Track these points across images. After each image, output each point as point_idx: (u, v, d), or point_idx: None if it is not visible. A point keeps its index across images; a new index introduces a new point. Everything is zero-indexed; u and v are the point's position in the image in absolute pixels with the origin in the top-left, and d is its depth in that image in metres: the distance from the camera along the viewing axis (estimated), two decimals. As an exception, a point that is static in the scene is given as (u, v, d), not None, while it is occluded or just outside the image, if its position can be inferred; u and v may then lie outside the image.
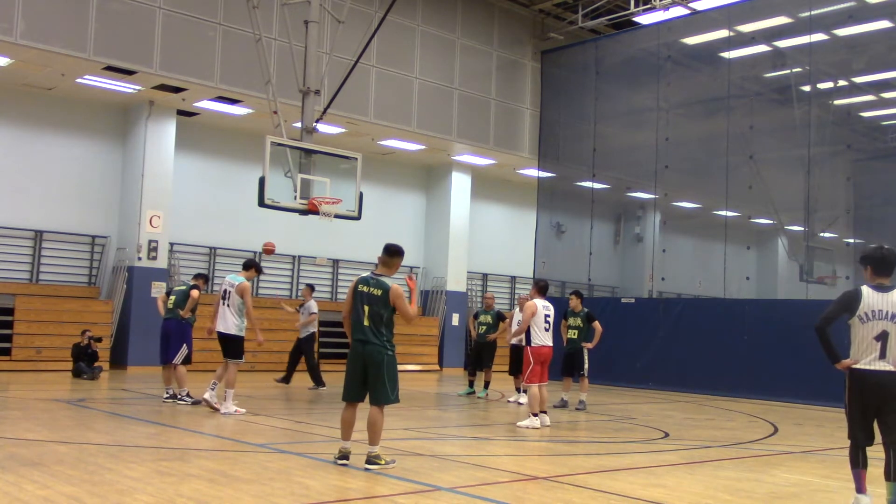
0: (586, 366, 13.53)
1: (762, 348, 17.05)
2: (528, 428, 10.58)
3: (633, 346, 19.23)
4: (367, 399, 7.44)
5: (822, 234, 19.57)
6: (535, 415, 10.70)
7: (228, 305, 11.14)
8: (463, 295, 23.91)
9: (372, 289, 7.36)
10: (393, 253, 7.58)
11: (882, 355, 5.91)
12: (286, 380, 15.78)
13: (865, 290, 6.03)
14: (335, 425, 10.57)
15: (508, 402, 14.31)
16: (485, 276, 25.58)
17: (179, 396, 11.92)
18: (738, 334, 17.57)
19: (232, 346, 11.19)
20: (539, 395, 10.82)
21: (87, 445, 8.00)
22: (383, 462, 7.23)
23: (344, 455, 7.38)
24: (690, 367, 18.15)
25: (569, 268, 22.24)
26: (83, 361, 15.93)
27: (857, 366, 5.97)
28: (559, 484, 6.97)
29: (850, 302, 6.03)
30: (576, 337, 13.58)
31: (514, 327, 14.48)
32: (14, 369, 16.56)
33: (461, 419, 12.14)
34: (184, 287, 12.31)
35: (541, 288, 11.41)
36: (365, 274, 7.59)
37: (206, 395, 11.20)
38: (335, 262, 22.39)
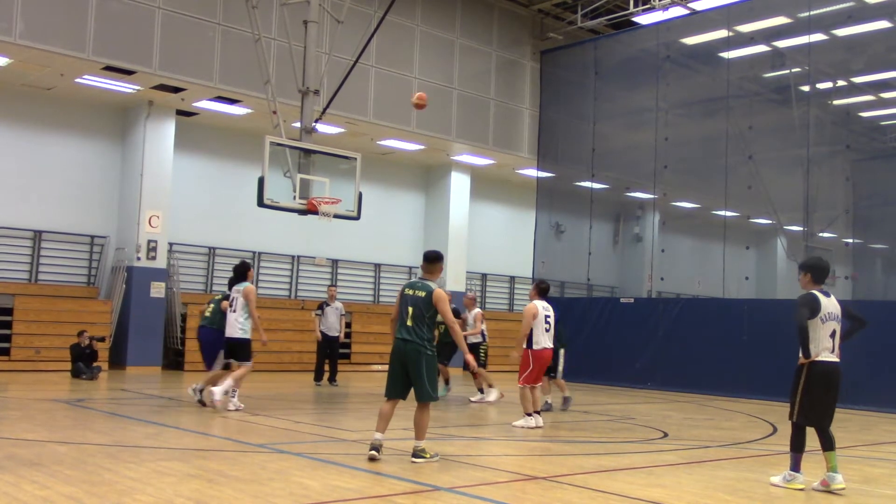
0: (560, 368, 13.18)
1: (761, 348, 17.04)
2: (522, 427, 10.58)
3: (633, 347, 19.23)
4: (404, 397, 7.88)
5: (821, 234, 19.55)
6: (529, 414, 10.72)
7: (235, 310, 11.30)
8: (462, 295, 23.89)
9: (417, 291, 7.86)
10: (431, 259, 8.11)
11: (833, 350, 7.11)
12: (321, 377, 16.38)
13: (819, 294, 7.15)
14: (334, 425, 10.59)
15: (471, 401, 13.88)
16: (484, 277, 25.58)
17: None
18: (737, 334, 17.56)
19: (239, 350, 11.35)
20: (531, 396, 10.85)
21: (87, 445, 8.00)
22: (428, 456, 7.58)
23: (375, 447, 7.56)
24: (690, 367, 18.14)
25: (568, 268, 22.23)
26: (82, 361, 15.92)
27: (819, 358, 7.07)
28: (558, 484, 6.97)
29: (816, 305, 7.09)
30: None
31: (470, 327, 14.24)
32: (13, 369, 16.55)
33: (460, 419, 12.13)
34: (219, 297, 12.17)
35: (541, 290, 11.27)
36: (413, 279, 8.27)
37: (228, 405, 11.34)
38: (334, 263, 22.38)
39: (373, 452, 7.52)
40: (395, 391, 7.77)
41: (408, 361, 7.66)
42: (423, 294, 7.78)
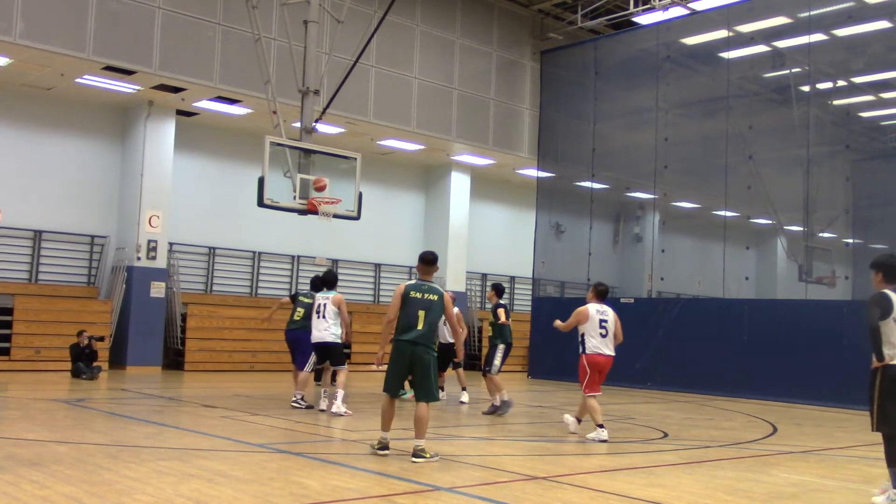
0: (495, 362, 12.32)
1: (761, 348, 17.05)
2: (596, 441, 9.68)
3: (633, 347, 19.07)
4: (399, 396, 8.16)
5: (821, 234, 19.57)
6: (601, 426, 9.80)
7: (324, 317, 11.66)
8: (462, 295, 23.89)
9: (427, 294, 7.94)
10: (430, 261, 8.16)
11: None
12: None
13: (891, 294, 6.62)
14: (334, 425, 10.59)
15: (462, 402, 13.61)
16: (484, 276, 25.57)
17: (297, 399, 12.18)
18: (737, 334, 17.57)
19: (336, 354, 11.74)
20: (597, 406, 9.95)
21: (86, 445, 8.00)
22: (428, 455, 7.62)
23: (384, 445, 7.84)
24: (690, 367, 18.14)
25: (568, 268, 22.23)
26: (82, 361, 15.92)
27: (893, 362, 6.50)
28: (558, 484, 6.97)
29: (887, 305, 6.56)
30: (490, 333, 12.78)
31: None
32: (13, 369, 16.54)
33: (460, 419, 12.12)
34: (311, 300, 12.49)
35: (599, 292, 10.36)
36: (411, 281, 8.12)
37: (325, 406, 11.68)
38: (334, 262, 22.39)
39: (386, 452, 7.78)
40: (396, 389, 7.99)
41: (416, 363, 7.81)
42: (435, 298, 7.93)
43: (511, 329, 12.75)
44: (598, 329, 10.02)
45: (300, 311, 12.63)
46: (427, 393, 7.86)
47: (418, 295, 7.90)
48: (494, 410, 12.19)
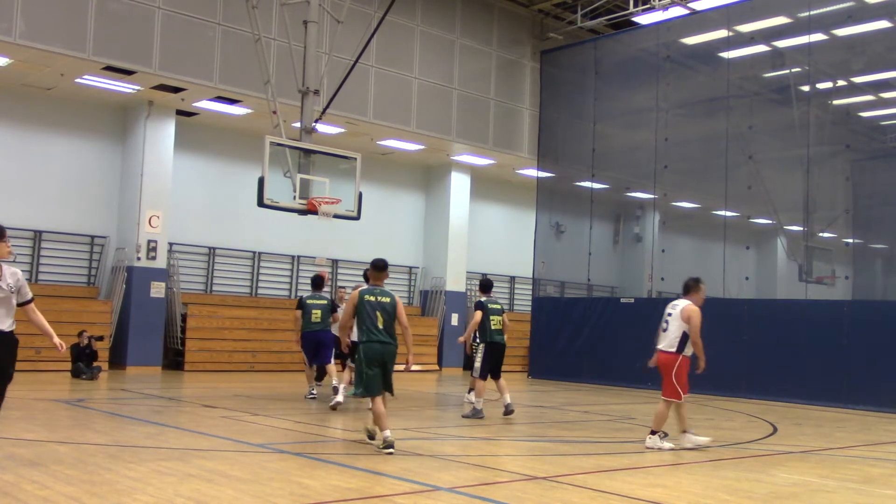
0: (476, 364, 11.83)
1: (761, 348, 17.05)
2: (655, 449, 9.28)
3: (633, 347, 19.11)
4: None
5: (821, 234, 19.56)
6: (654, 433, 9.51)
7: None
8: (462, 295, 23.92)
9: (379, 297, 8.51)
10: (382, 268, 8.77)
11: None
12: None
13: None
14: (334, 425, 10.59)
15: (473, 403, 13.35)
16: (484, 276, 25.55)
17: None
18: (737, 334, 17.55)
19: None
20: (664, 413, 9.63)
21: (87, 445, 8.00)
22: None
23: (389, 444, 8.04)
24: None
25: (568, 268, 22.22)
26: (82, 361, 15.91)
27: None
28: (559, 484, 6.97)
29: None
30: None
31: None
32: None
33: (461, 419, 12.12)
34: (325, 302, 13.09)
35: (684, 286, 9.95)
36: (363, 287, 8.71)
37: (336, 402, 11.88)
38: (334, 262, 22.39)
39: (391, 451, 7.96)
40: (380, 387, 8.42)
41: (388, 360, 8.44)
42: (387, 300, 8.53)
43: (490, 328, 11.79)
44: (662, 324, 9.75)
45: (316, 312, 12.89)
46: (391, 386, 8.53)
47: (372, 298, 8.48)
48: (473, 413, 11.68)
